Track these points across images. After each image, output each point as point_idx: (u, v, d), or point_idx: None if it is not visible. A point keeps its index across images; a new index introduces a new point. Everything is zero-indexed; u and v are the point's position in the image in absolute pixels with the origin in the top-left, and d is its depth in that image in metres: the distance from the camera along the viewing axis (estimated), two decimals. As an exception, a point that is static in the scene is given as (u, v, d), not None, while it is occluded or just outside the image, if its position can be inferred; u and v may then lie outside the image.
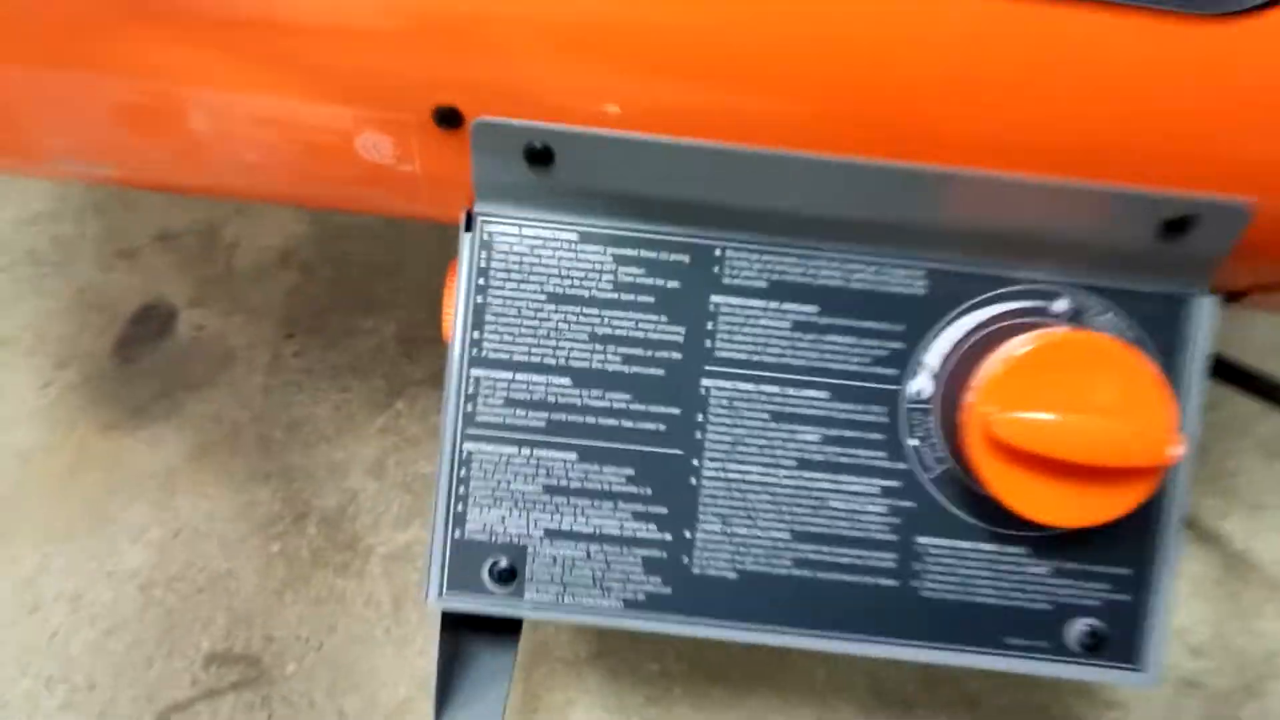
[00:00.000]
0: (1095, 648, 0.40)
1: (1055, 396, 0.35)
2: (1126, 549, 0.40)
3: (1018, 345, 0.36)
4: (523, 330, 0.40)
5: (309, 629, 0.64)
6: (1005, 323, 0.39)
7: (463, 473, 0.40)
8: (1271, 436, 0.62)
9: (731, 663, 0.59)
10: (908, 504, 0.40)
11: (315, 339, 0.77)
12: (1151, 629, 0.40)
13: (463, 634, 0.45)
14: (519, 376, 0.40)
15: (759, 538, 0.40)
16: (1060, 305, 0.39)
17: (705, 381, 0.40)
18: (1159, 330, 0.38)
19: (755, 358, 0.40)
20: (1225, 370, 0.44)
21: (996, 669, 0.41)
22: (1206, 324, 0.38)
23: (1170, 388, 0.36)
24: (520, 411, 0.40)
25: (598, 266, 0.39)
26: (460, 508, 0.40)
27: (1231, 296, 0.40)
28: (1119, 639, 0.40)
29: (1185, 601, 0.58)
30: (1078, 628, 0.40)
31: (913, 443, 0.40)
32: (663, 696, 0.59)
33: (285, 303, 0.78)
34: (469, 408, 0.40)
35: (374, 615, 0.64)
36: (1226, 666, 0.57)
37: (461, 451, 0.40)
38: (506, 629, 0.49)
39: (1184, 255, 0.37)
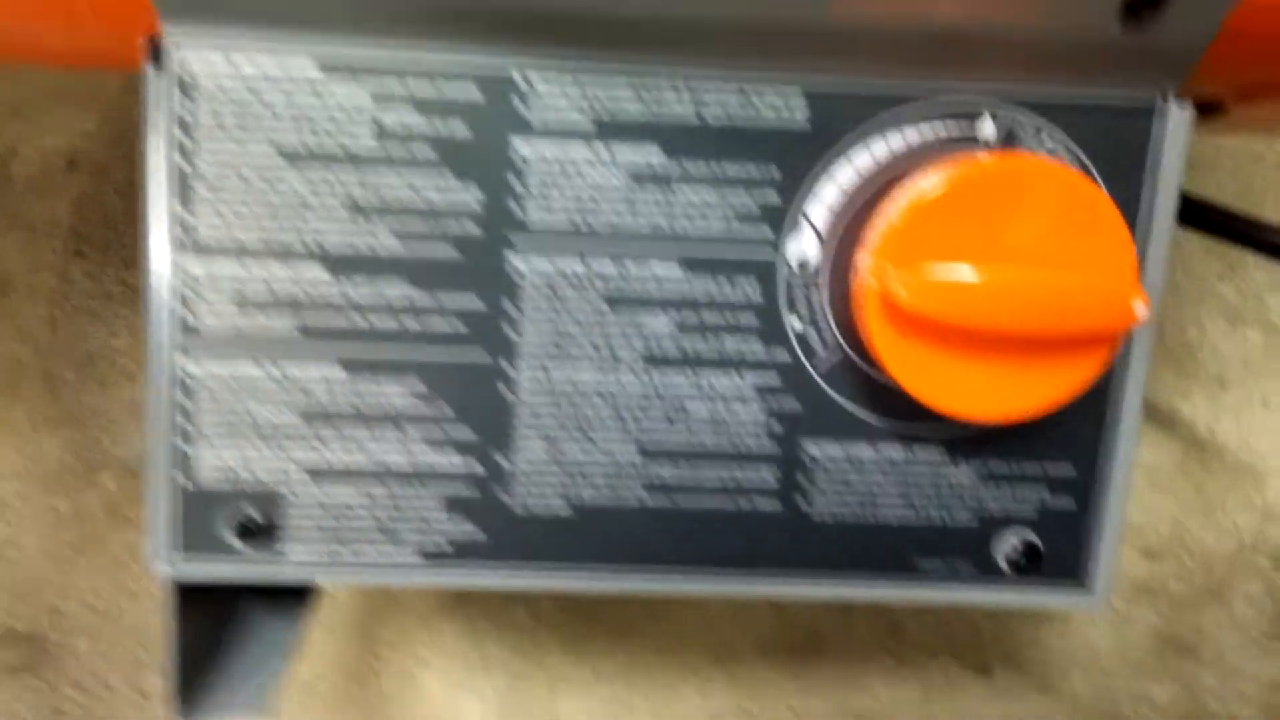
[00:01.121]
0: (1030, 566, 0.33)
1: (977, 246, 0.27)
2: (1069, 441, 0.32)
3: (926, 181, 0.27)
4: (251, 205, 0.30)
5: (106, 599, 0.54)
6: (913, 157, 0.30)
7: (186, 403, 0.31)
8: (1237, 300, 0.55)
9: (614, 603, 0.51)
10: (791, 405, 0.32)
11: (111, 256, 0.65)
12: (1099, 540, 0.33)
13: (220, 598, 0.36)
14: (253, 268, 0.30)
15: (599, 461, 0.32)
16: (986, 129, 0.30)
17: (514, 260, 0.30)
18: (1114, 153, 0.30)
19: (580, 224, 0.30)
20: (1190, 212, 0.35)
21: (911, 599, 0.33)
22: (1178, 141, 0.30)
23: (1128, 228, 0.28)
24: (259, 315, 0.30)
25: (352, 110, 0.29)
26: (187, 448, 0.31)
27: (1204, 110, 0.31)
28: (1059, 553, 0.33)
29: (1139, 495, 0.51)
30: (1008, 542, 0.33)
31: (795, 325, 0.31)
32: (533, 648, 0.52)
33: (73, 214, 0.67)
34: (185, 315, 0.30)
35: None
36: (1186, 568, 0.51)
37: (179, 375, 0.30)
38: (287, 590, 0.40)
39: (1152, 47, 0.28)
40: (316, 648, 0.52)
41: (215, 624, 0.38)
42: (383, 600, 0.53)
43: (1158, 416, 0.53)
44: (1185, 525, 0.51)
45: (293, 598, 0.40)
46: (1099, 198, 0.27)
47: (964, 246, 0.27)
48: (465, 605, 0.53)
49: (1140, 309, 0.26)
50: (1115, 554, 0.33)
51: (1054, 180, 0.27)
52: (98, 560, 0.55)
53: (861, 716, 0.50)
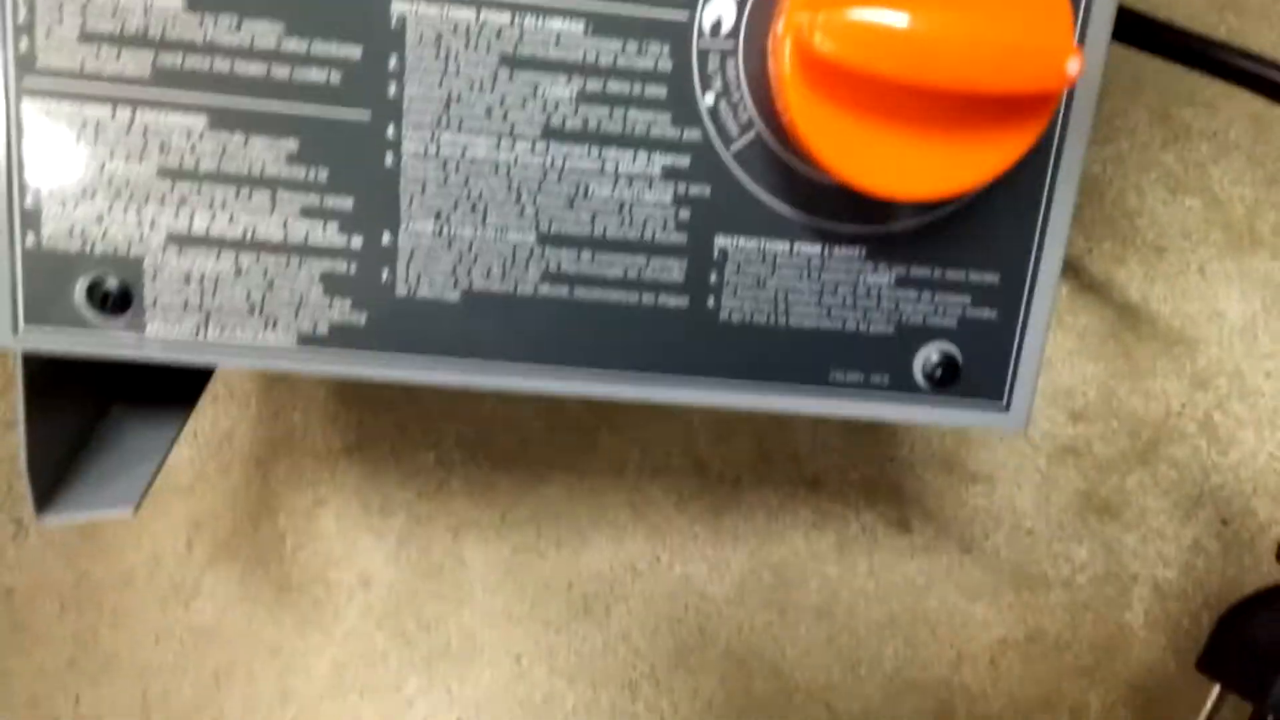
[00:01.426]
0: (948, 380, 0.31)
1: (903, -9, 0.24)
2: (996, 248, 0.30)
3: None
4: (101, -84, 0.26)
5: (-18, 426, 0.51)
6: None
7: (26, 147, 0.27)
8: (1179, 169, 0.53)
9: (525, 447, 0.50)
10: (701, 190, 0.29)
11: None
12: (1021, 356, 0.31)
13: (86, 398, 0.33)
14: (101, -8, 0.27)
15: (491, 241, 0.29)
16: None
17: (397, 5, 0.28)
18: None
19: (473, -33, 0.27)
20: (1134, 30, 0.33)
21: (821, 412, 0.31)
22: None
23: None
24: (108, 51, 0.27)
25: None
26: (29, 201, 0.28)
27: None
28: (979, 368, 0.31)
29: (1068, 360, 0.50)
30: (926, 354, 0.31)
31: (708, 100, 0.29)
32: (437, 490, 0.50)
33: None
34: (21, 45, 0.27)
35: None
36: (1113, 431, 0.50)
37: (18, 114, 0.27)
38: (173, 388, 0.37)
39: None
40: (212, 485, 0.50)
41: (81, 424, 0.35)
42: (281, 438, 0.51)
43: (1091, 282, 0.51)
44: (1114, 390, 0.50)
45: (165, 405, 0.38)
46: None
47: (891, -11, 0.24)
48: (367, 446, 0.50)
49: (1074, 66, 0.24)
50: (1035, 373, 0.32)
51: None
52: (-25, 388, 0.52)
53: (777, 568, 0.48)
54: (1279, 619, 0.29)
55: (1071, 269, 0.52)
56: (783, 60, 0.26)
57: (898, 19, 0.24)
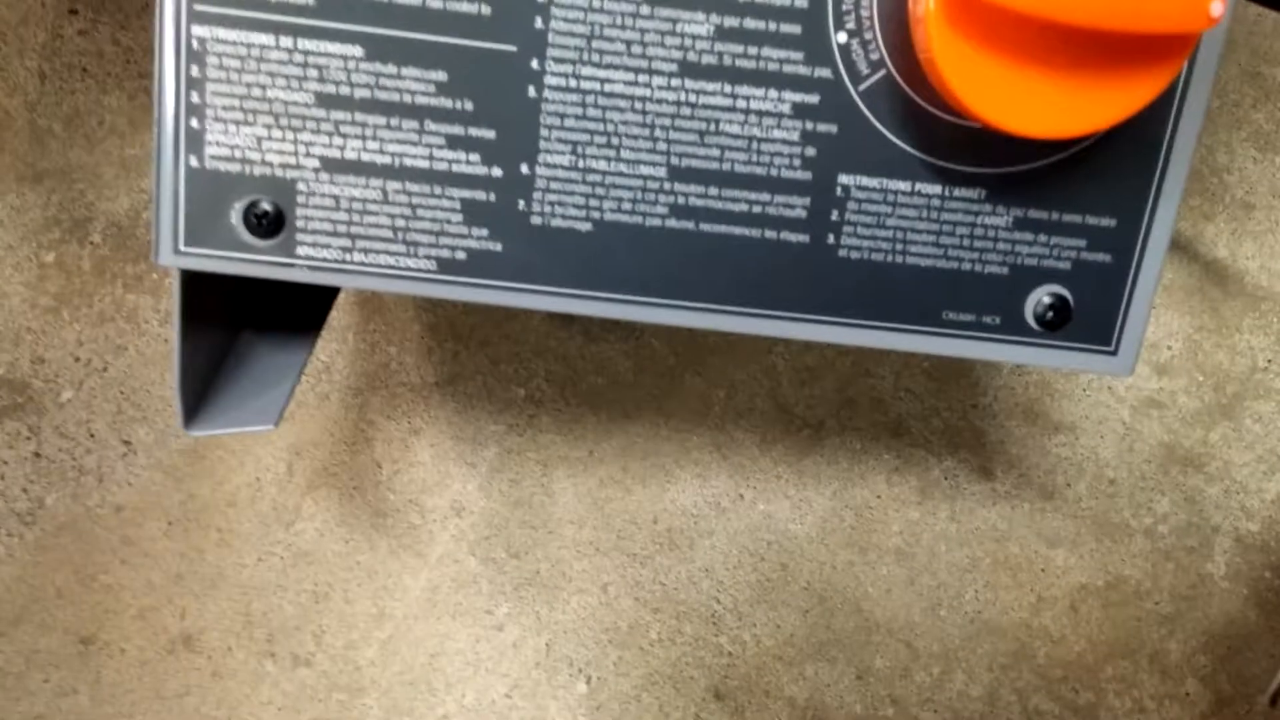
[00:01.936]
0: (1059, 322, 0.32)
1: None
2: (1112, 191, 0.31)
3: None
4: None
5: (90, 350, 0.54)
6: None
7: (194, 71, 0.29)
8: (1269, 127, 0.53)
9: (612, 386, 0.51)
10: (828, 128, 0.30)
11: (105, 16, 0.63)
12: (1133, 302, 0.32)
13: (224, 324, 0.35)
14: (270, -76, 0.28)
15: (624, 174, 0.31)
16: None
17: (547, -59, 0.29)
18: None
19: (619, -94, 0.28)
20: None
21: (933, 351, 0.33)
22: None
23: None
24: (274, -21, 0.29)
25: None
26: (195, 123, 0.30)
27: None
28: (1090, 311, 0.32)
29: (1154, 314, 0.51)
30: (1039, 296, 0.32)
31: (841, 38, 0.30)
32: (527, 425, 0.51)
33: (63, -37, 0.64)
34: (196, -26, 0.28)
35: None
36: (1198, 385, 0.51)
37: (189, 39, 0.29)
38: (297, 317, 0.39)
39: None
40: (311, 414, 0.52)
41: (221, 346, 0.37)
42: (378, 370, 0.53)
43: (1179, 238, 0.52)
44: (1199, 344, 0.51)
45: (296, 329, 0.40)
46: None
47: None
48: (460, 380, 0.52)
49: (1217, 8, 0.25)
50: (1145, 319, 0.33)
51: None
52: (83, 313, 0.54)
53: (859, 509, 0.50)
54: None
55: (1159, 225, 0.52)
56: None
57: (1044, -41, 0.25)
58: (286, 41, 0.29)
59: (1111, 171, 0.31)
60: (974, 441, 0.50)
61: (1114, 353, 0.33)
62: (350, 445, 0.52)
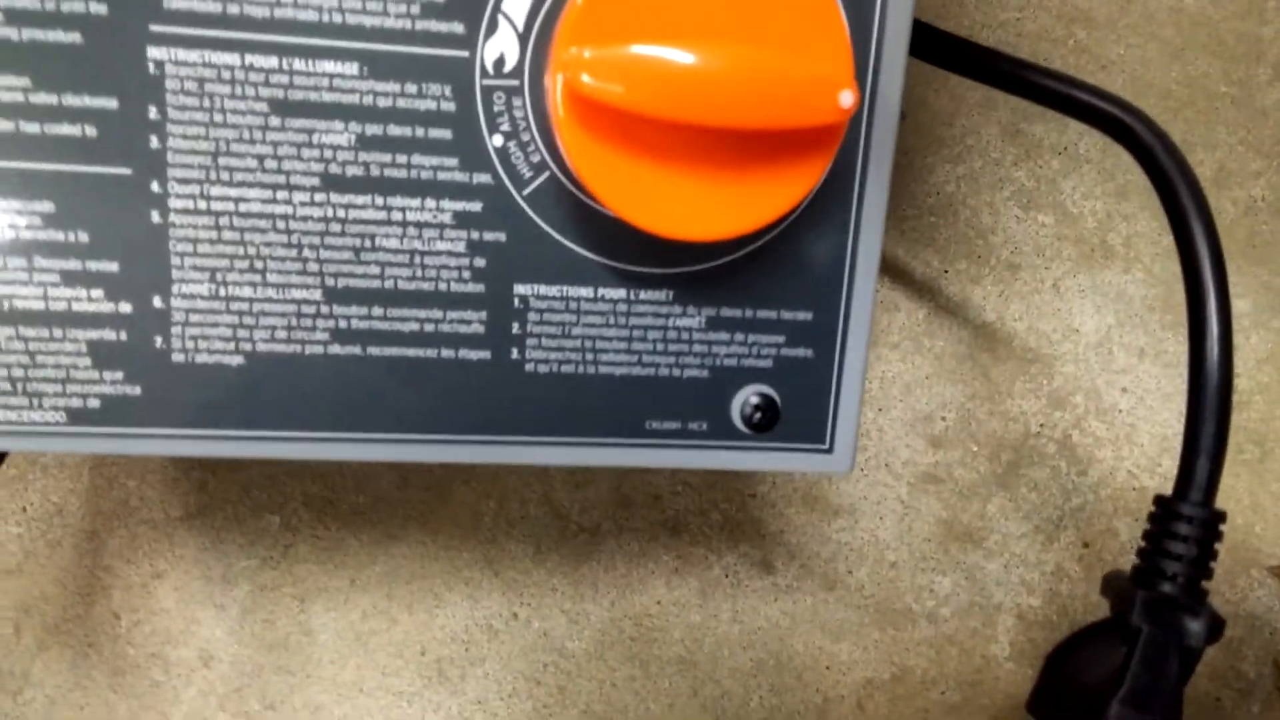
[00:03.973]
0: (767, 423, 0.30)
1: (668, 26, 0.24)
2: (803, 283, 0.30)
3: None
4: None
5: None
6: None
7: None
8: (1031, 185, 0.54)
9: (375, 504, 0.48)
10: (496, 236, 0.28)
11: None
12: (840, 395, 0.31)
13: None
14: None
15: (274, 300, 0.28)
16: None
17: (153, 51, 0.26)
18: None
19: (232, 9, 0.26)
20: (945, 49, 0.33)
21: (641, 463, 0.31)
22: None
23: (839, 6, 0.25)
24: None
25: None
26: None
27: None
28: (798, 410, 0.31)
29: (926, 384, 0.50)
30: (744, 398, 0.30)
31: (497, 141, 0.28)
32: (282, 556, 0.47)
33: None
34: None
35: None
36: (973, 456, 0.50)
37: None
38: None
39: None
40: (41, 565, 0.47)
41: None
42: (116, 508, 0.48)
43: (948, 304, 0.52)
44: (972, 412, 0.50)
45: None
46: (809, -24, 0.24)
47: (660, 24, 0.24)
48: (208, 512, 0.48)
49: (848, 99, 0.24)
50: (857, 412, 0.31)
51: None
52: None
53: (639, 618, 0.47)
54: (1103, 657, 0.29)
55: (928, 291, 0.52)
56: (555, 100, 0.25)
57: (665, 56, 0.23)
58: None
59: (800, 263, 0.30)
60: (754, 534, 0.48)
61: (829, 450, 0.31)
62: (85, 596, 0.47)
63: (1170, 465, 0.50)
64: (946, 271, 0.52)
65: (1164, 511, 0.30)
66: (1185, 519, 0.29)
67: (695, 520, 0.48)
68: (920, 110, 0.54)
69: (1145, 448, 0.50)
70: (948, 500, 0.49)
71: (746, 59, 0.23)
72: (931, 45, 0.34)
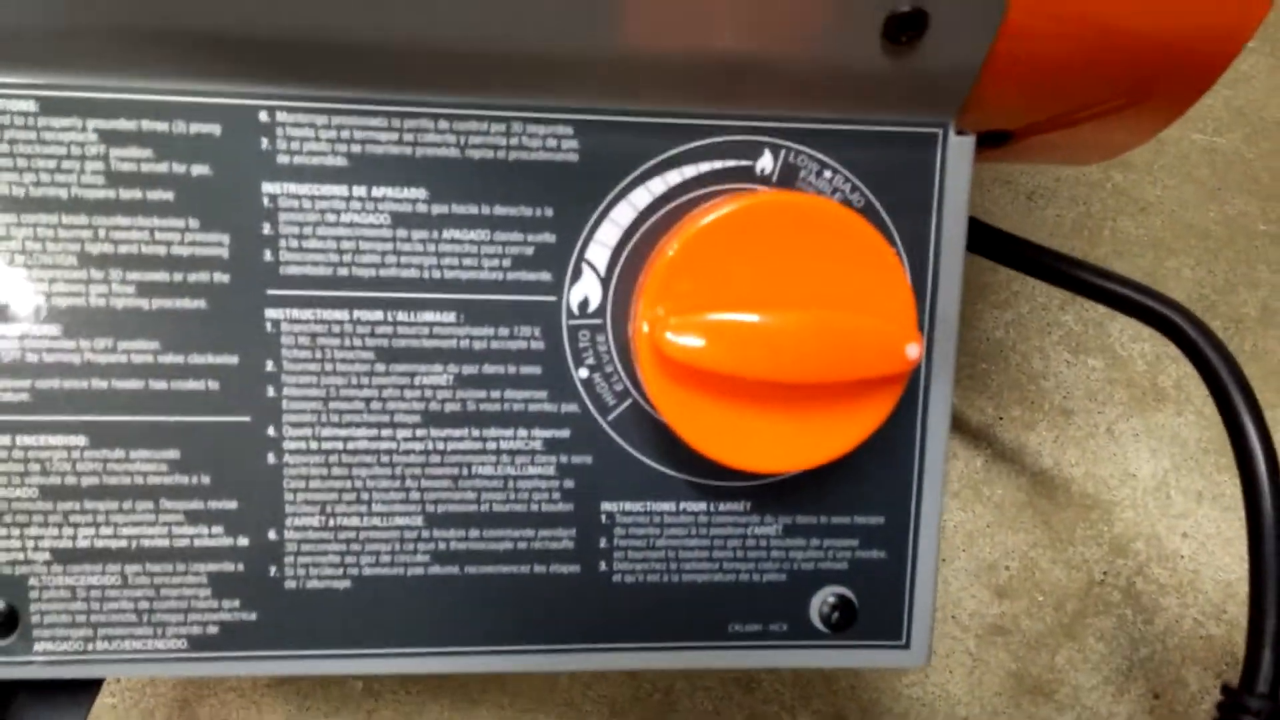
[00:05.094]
0: (845, 622, 0.32)
1: (743, 291, 0.26)
2: (874, 490, 0.31)
3: (690, 224, 0.27)
4: (-31, 256, 0.27)
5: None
6: (691, 193, 0.29)
7: (-98, 480, 0.28)
8: (1079, 328, 0.55)
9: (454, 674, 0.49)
10: (583, 459, 0.30)
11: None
12: (915, 592, 0.32)
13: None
14: (-26, 328, 0.28)
15: (378, 528, 0.30)
16: (765, 162, 0.29)
17: (270, 312, 0.29)
18: (899, 186, 0.29)
19: (342, 272, 0.29)
20: (995, 244, 0.35)
21: (724, 665, 0.32)
22: (960, 173, 0.29)
23: (903, 264, 0.27)
24: (-15, 380, 0.28)
25: (77, 150, 0.27)
26: (-92, 530, 0.28)
27: (992, 139, 0.31)
28: (875, 608, 0.32)
29: (988, 533, 0.51)
30: (822, 599, 0.32)
31: (582, 374, 0.30)
32: (365, 724, 0.49)
33: None
34: (-104, 380, 0.28)
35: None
36: (1039, 605, 0.51)
37: (-106, 447, 0.28)
38: (66, 683, 0.37)
39: (921, 76, 0.28)
40: (132, 736, 0.49)
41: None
42: (206, 678, 0.50)
43: (1004, 451, 0.53)
44: (1035, 561, 0.51)
45: (68, 690, 0.37)
46: (872, 237, 0.26)
47: (735, 290, 0.26)
48: (294, 680, 0.50)
49: (913, 351, 0.26)
50: (931, 607, 0.32)
51: (825, 219, 0.26)
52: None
53: (715, 779, 0.48)
54: None
55: (984, 438, 0.53)
56: (642, 354, 0.27)
57: (745, 320, 0.25)
58: (4, 440, 0.28)
59: (871, 473, 0.31)
60: (825, 689, 0.49)
61: (906, 645, 0.32)
62: (175, 767, 0.49)
63: (1236, 611, 0.51)
64: (1001, 418, 0.53)
65: (1231, 702, 0.31)
66: (1252, 712, 0.30)
67: (767, 677, 0.49)
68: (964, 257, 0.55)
69: (1209, 594, 0.50)
70: (1016, 652, 0.50)
71: (817, 322, 0.25)
72: (986, 241, 0.35)
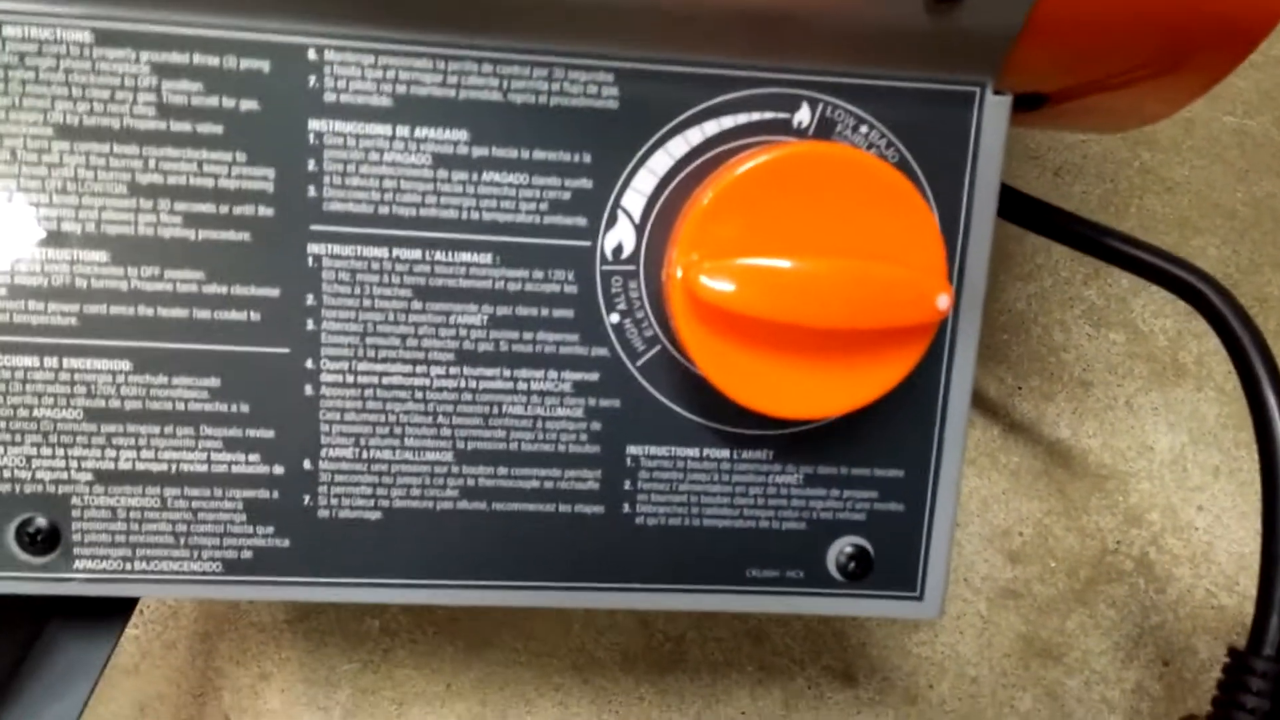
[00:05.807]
0: (861, 572, 0.33)
1: (776, 239, 0.26)
2: (895, 444, 0.32)
3: (727, 172, 0.27)
4: (24, 180, 0.28)
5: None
6: (728, 144, 0.30)
7: (-48, 396, 0.29)
8: (1101, 303, 0.56)
9: (469, 615, 0.50)
10: (611, 403, 0.31)
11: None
12: (930, 546, 0.33)
13: (19, 619, 0.34)
14: (27, 251, 0.28)
15: (410, 462, 0.31)
16: (802, 115, 0.30)
17: (313, 247, 0.29)
18: (934, 144, 0.30)
19: (383, 210, 0.29)
20: (1024, 210, 0.36)
21: (741, 609, 0.33)
22: (995, 132, 0.30)
23: (935, 217, 0.28)
24: (36, 305, 0.29)
25: (130, 81, 0.28)
26: (-43, 448, 0.29)
27: (1028, 102, 0.31)
28: (890, 560, 0.33)
29: (1003, 500, 0.52)
30: (839, 548, 0.33)
31: (614, 319, 0.31)
32: (382, 660, 0.50)
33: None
34: (-50, 301, 0.29)
35: None
36: (1051, 571, 0.51)
37: (-53, 363, 0.29)
38: (99, 607, 0.38)
39: (962, 35, 0.28)
40: (156, 664, 0.50)
41: (16, 649, 0.36)
42: (228, 612, 0.51)
43: (1022, 420, 0.53)
44: (1049, 529, 0.52)
45: (100, 614, 0.38)
46: (906, 189, 0.27)
47: (763, 238, 0.27)
48: (313, 617, 0.51)
49: (943, 302, 0.26)
50: (946, 561, 0.33)
51: (860, 170, 0.27)
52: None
53: (723, 728, 0.49)
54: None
55: (1002, 407, 0.54)
56: (674, 297, 0.28)
57: (777, 265, 0.26)
58: (51, 362, 0.29)
59: (893, 426, 0.32)
60: (835, 645, 0.50)
61: (920, 598, 0.33)
62: (197, 697, 0.51)
63: (1248, 584, 0.51)
64: (1020, 388, 0.54)
65: (1237, 664, 0.32)
66: (1258, 674, 0.31)
67: (778, 630, 0.50)
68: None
69: (1223, 565, 0.51)
70: (1026, 615, 0.51)
71: (848, 269, 0.26)
72: (1015, 207, 0.36)
